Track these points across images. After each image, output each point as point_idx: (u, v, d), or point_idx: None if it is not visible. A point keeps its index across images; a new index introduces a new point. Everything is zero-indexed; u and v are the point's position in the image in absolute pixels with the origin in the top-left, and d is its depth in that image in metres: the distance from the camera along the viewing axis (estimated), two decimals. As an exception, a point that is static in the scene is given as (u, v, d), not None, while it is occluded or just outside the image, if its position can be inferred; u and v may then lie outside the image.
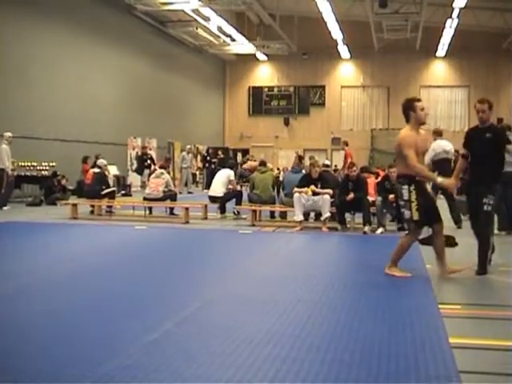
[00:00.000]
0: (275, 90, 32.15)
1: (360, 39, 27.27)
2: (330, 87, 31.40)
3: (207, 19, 23.16)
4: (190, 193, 19.46)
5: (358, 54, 29.49)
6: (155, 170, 13.93)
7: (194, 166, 23.74)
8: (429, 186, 6.21)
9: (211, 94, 31.15)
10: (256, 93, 32.34)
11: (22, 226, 10.08)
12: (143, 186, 17.32)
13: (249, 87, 32.46)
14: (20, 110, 15.59)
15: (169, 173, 13.99)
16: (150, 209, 12.06)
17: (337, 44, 27.19)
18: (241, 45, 27.30)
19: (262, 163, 12.02)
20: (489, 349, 3.53)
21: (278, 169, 23.03)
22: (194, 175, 23.79)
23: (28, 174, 14.97)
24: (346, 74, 31.36)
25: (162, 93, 24.42)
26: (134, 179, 20.01)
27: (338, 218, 9.72)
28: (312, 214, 10.81)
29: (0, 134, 13.32)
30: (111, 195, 12.31)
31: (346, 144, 17.68)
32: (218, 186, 11.87)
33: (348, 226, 9.83)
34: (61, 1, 17.59)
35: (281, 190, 11.95)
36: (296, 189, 9.79)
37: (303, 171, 11.26)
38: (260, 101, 32.30)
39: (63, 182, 15.01)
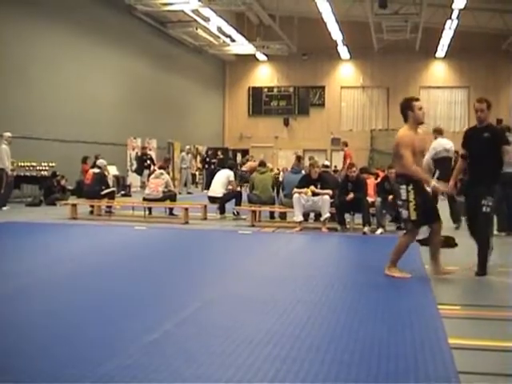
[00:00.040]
0: (275, 90, 32.13)
1: (360, 40, 27.26)
2: (329, 88, 31.39)
3: (207, 20, 23.17)
4: (189, 193, 19.46)
5: (357, 54, 29.49)
6: (155, 170, 13.94)
7: (193, 167, 23.75)
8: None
9: (211, 95, 31.14)
10: (256, 93, 32.32)
11: (21, 226, 10.08)
12: (143, 186, 17.33)
13: (248, 87, 32.45)
14: (20, 110, 15.58)
15: (168, 173, 13.98)
16: (150, 209, 12.06)
17: (336, 44, 27.20)
18: (241, 45, 27.30)
19: (262, 163, 12.00)
20: (488, 349, 3.54)
21: (278, 169, 23.00)
22: (193, 176, 23.79)
23: (27, 174, 14.95)
24: (345, 74, 31.36)
25: (161, 93, 24.41)
26: (133, 179, 20.00)
27: (337, 219, 9.73)
28: (312, 215, 10.81)
29: (0, 134, 13.33)
30: (111, 195, 12.31)
31: (346, 144, 17.66)
32: (218, 187, 11.87)
33: (348, 226, 9.83)
34: (61, 1, 17.58)
35: (280, 191, 11.96)
36: (296, 189, 9.79)
37: (303, 172, 11.26)
38: (260, 101, 32.27)
39: (63, 182, 15.00)
